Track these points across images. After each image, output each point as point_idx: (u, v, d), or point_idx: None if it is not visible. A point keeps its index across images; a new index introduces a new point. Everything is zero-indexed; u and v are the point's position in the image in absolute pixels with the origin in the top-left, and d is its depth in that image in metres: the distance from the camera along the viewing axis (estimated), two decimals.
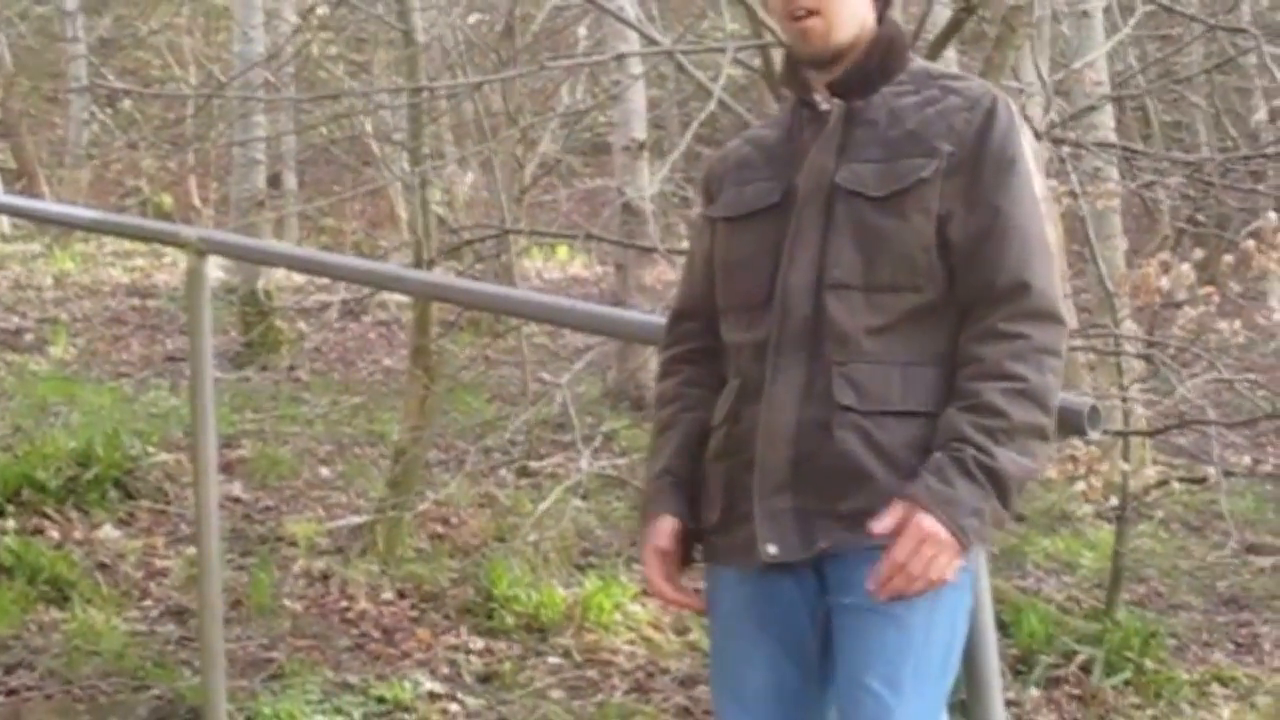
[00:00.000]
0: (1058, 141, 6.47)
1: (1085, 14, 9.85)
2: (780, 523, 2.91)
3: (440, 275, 6.32)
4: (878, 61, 3.05)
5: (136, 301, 13.81)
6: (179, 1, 15.99)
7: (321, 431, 9.98)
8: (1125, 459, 6.77)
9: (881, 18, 3.09)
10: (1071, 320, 2.87)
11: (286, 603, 6.99)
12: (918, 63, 3.13)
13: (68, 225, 8.16)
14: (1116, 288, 6.55)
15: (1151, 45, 13.49)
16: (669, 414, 3.14)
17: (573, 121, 14.05)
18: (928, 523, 2.75)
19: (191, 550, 7.46)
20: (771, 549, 2.91)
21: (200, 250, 5.47)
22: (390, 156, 12.09)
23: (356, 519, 7.70)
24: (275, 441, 9.59)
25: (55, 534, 7.46)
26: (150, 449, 8.73)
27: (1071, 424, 3.04)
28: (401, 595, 7.21)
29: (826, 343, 2.91)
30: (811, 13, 2.99)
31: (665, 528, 3.06)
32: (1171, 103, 16.16)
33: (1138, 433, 6.69)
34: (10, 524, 7.44)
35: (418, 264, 7.41)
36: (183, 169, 18.54)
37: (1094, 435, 3.10)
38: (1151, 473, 7.67)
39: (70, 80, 16.30)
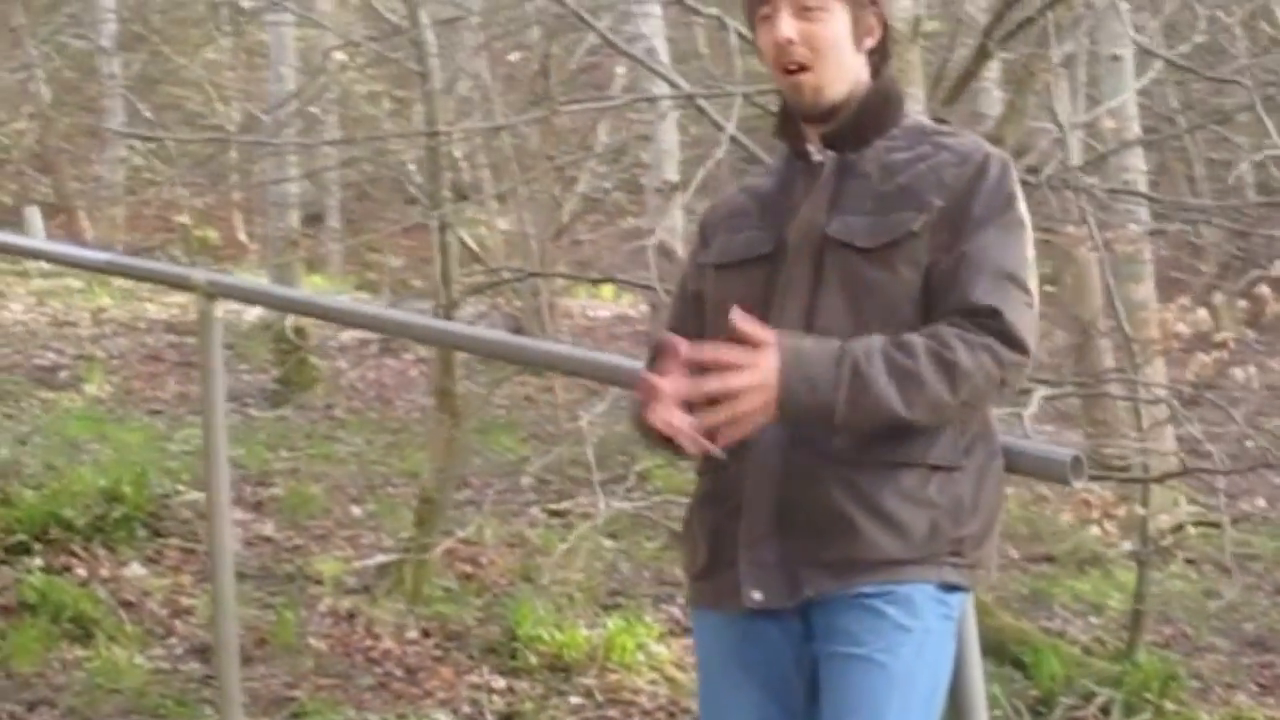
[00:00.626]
0: (1071, 187, 6.48)
1: (1115, 57, 9.85)
2: (765, 570, 2.92)
3: (443, 322, 6.32)
4: (872, 116, 3.06)
5: (174, 338, 13.87)
6: (217, 37, 16.12)
7: (354, 470, 10.02)
8: (1144, 503, 6.77)
9: (877, 72, 3.10)
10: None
11: (311, 641, 7.03)
12: (913, 118, 3.14)
13: (80, 267, 8.19)
14: (1136, 332, 6.55)
15: (1195, 86, 13.46)
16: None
17: (610, 160, 14.12)
18: (765, 360, 2.75)
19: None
20: (756, 595, 2.93)
21: (209, 294, 5.51)
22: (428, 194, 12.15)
23: (383, 558, 7.73)
24: (308, 479, 9.63)
25: (82, 571, 7.50)
26: (180, 487, 8.80)
27: (1054, 473, 3.07)
28: (426, 634, 7.23)
29: None
30: (803, 68, 3.01)
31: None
32: (1215, 143, 16.07)
33: (1131, 479, 6.66)
34: (37, 561, 7.50)
35: (439, 306, 7.45)
36: (226, 204, 18.71)
37: (1077, 485, 3.10)
38: (1184, 513, 7.64)
39: (107, 116, 16.47)
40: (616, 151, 13.67)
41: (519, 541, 8.60)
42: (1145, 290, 9.72)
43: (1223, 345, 6.17)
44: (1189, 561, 9.06)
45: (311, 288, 16.57)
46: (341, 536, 8.62)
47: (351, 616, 7.34)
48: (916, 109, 7.27)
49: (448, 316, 7.47)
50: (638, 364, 3.47)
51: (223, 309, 5.49)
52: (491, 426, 11.24)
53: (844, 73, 3.03)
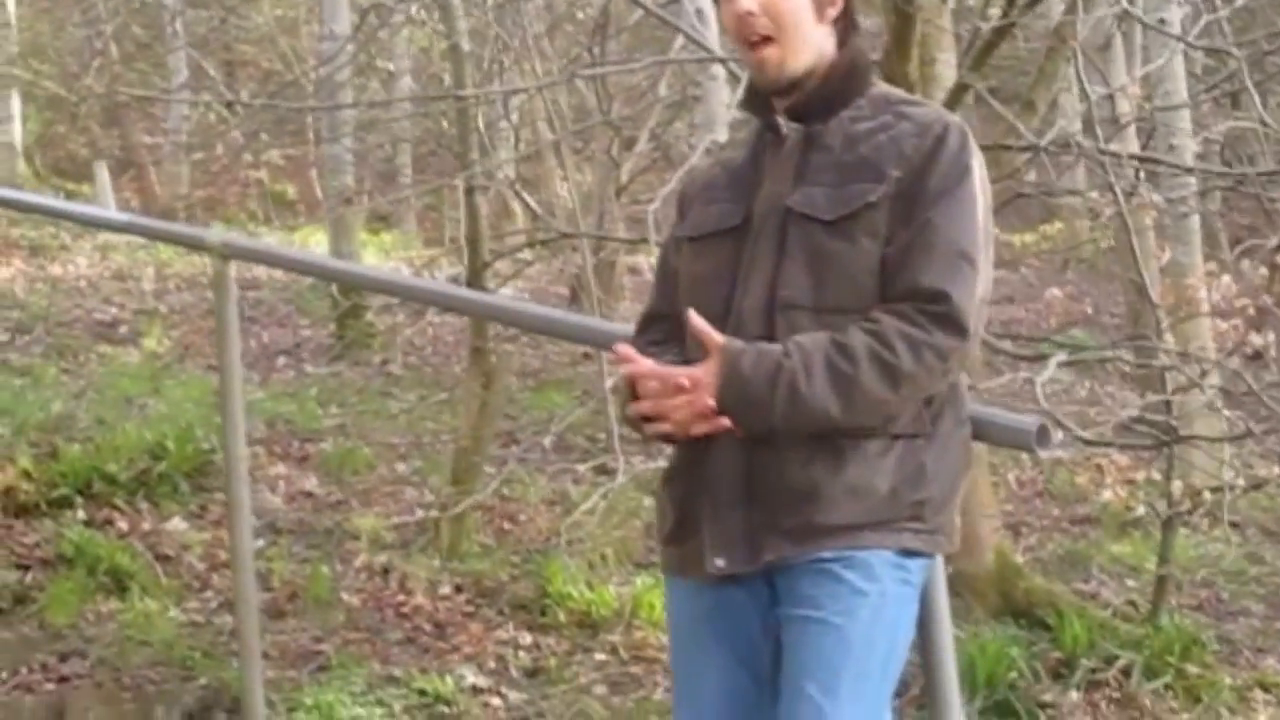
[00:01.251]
0: (1088, 156, 6.46)
1: (1163, 21, 9.75)
2: (729, 537, 2.98)
3: (449, 286, 6.36)
4: (836, 87, 3.09)
5: (236, 293, 13.97)
6: None
7: (403, 426, 10.10)
8: (1168, 467, 6.77)
9: (844, 42, 3.12)
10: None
11: (344, 596, 7.12)
12: (879, 88, 3.16)
13: (99, 227, 8.33)
14: (1160, 299, 6.53)
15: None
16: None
17: (668, 121, 14.09)
18: (708, 376, 2.90)
19: (257, 543, 7.65)
20: (720, 562, 2.98)
21: (224, 255, 5.58)
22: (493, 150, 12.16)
23: (420, 514, 7.81)
24: (357, 436, 9.72)
25: (123, 525, 7.63)
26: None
27: (1021, 442, 3.11)
28: (459, 590, 7.31)
29: None
30: (766, 39, 3.04)
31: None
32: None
33: (1101, 444, 6.63)
34: (79, 515, 7.64)
35: (471, 268, 7.50)
36: (303, 160, 18.81)
37: (1043, 454, 3.14)
38: (1231, 477, 7.61)
39: (171, 74, 16.65)
40: (674, 110, 13.64)
41: (560, 499, 8.64)
42: (1192, 255, 9.64)
43: (1241, 311, 6.14)
44: (1233, 525, 9.00)
45: (374, 245, 16.74)
46: (384, 493, 8.71)
47: (386, 572, 7.42)
48: (948, 74, 7.27)
49: (476, 279, 7.51)
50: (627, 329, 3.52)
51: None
52: (546, 384, 11.31)
53: (806, 45, 3.06)
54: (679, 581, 3.14)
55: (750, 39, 3.05)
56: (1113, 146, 6.57)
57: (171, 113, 16.77)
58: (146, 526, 7.68)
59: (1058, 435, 3.26)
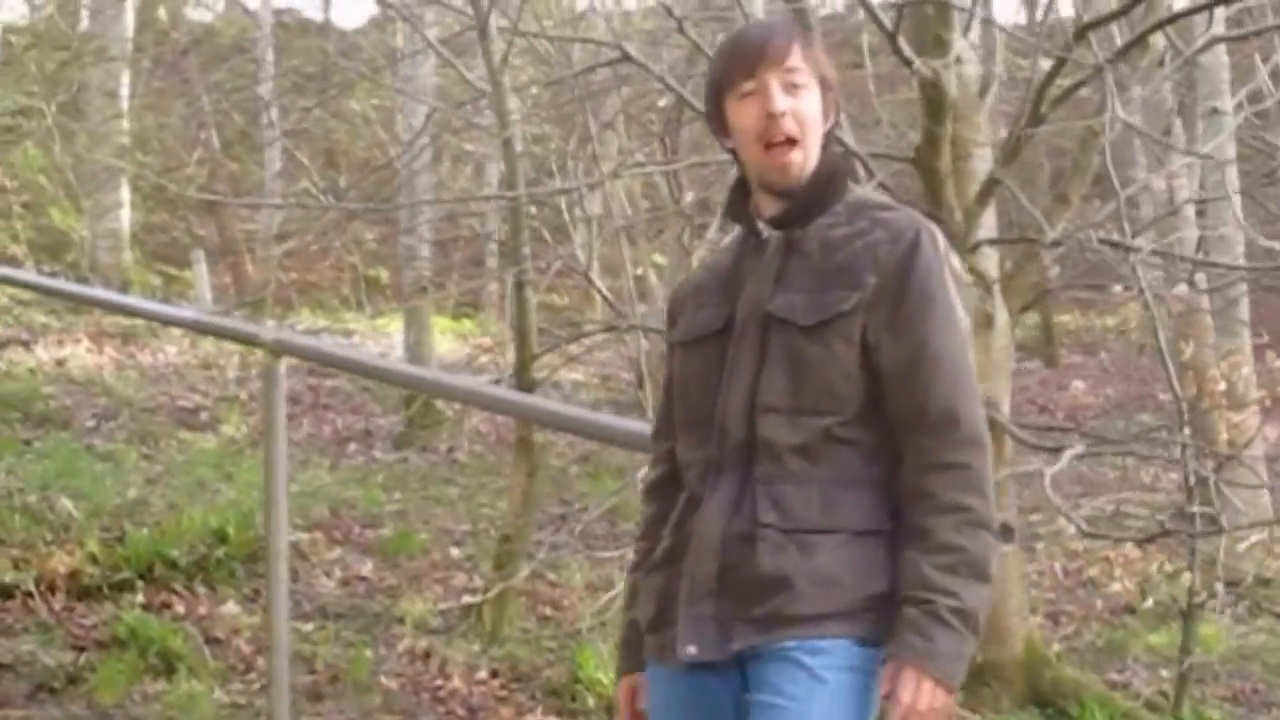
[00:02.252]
0: (1118, 246, 6.62)
1: (1215, 111, 9.89)
2: (701, 626, 3.15)
3: (485, 386, 6.61)
4: (817, 194, 3.21)
5: (313, 380, 14.38)
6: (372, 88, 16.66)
7: (461, 512, 10.36)
8: (1193, 558, 6.87)
9: (824, 149, 3.24)
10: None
11: (383, 679, 7.35)
12: (855, 193, 3.29)
13: (167, 323, 8.71)
14: (1184, 391, 6.65)
15: None
16: (643, 550, 3.38)
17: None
18: (921, 680, 2.99)
19: (306, 626, 7.94)
20: (691, 649, 3.16)
21: (275, 351, 5.95)
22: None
23: (464, 600, 8.04)
24: (416, 521, 10.00)
25: (180, 609, 7.93)
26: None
27: None
28: (494, 675, 7.52)
29: (757, 463, 3.14)
30: (791, 142, 3.16)
31: (629, 686, 3.40)
32: None
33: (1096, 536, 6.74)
34: (139, 598, 7.95)
35: (519, 361, 7.76)
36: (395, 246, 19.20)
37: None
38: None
39: (266, 163, 17.17)
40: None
41: (604, 584, 8.84)
42: (1240, 344, 9.71)
43: (1260, 402, 6.25)
44: (1277, 616, 9.06)
45: (453, 331, 17.09)
46: (434, 578, 8.96)
47: (427, 656, 7.66)
48: (984, 169, 7.45)
49: (524, 370, 7.77)
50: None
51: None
52: (601, 470, 11.53)
53: (817, 148, 3.20)
54: (658, 668, 3.29)
55: (776, 140, 3.16)
56: (1139, 241, 6.72)
57: (266, 199, 17.23)
58: (202, 610, 7.96)
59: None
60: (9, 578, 7.92)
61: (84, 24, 20.33)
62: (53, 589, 7.93)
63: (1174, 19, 6.20)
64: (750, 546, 3.10)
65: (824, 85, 3.21)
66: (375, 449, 12.29)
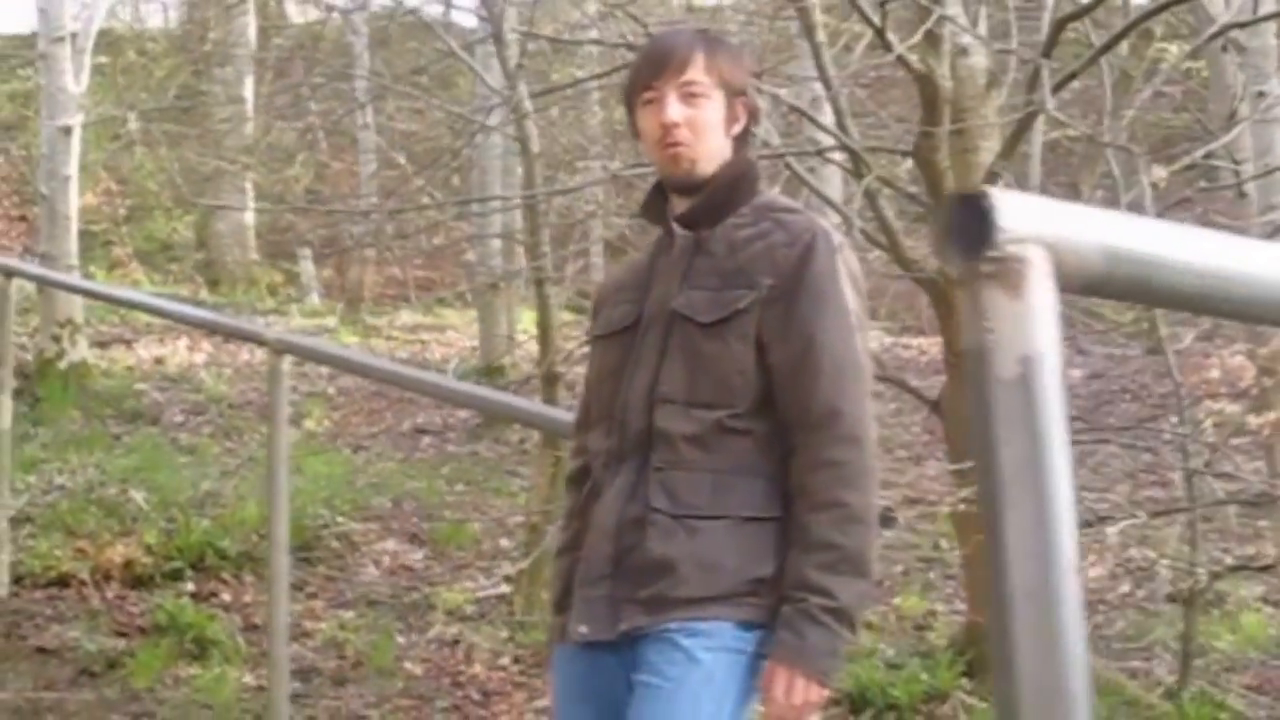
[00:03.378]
0: None
1: (1261, 94, 9.87)
2: (594, 607, 3.36)
3: (471, 386, 6.82)
4: (723, 196, 3.40)
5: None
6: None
7: (522, 503, 10.60)
8: (1192, 544, 6.94)
9: (737, 152, 3.44)
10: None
11: (408, 665, 7.62)
12: (763, 196, 3.48)
13: (175, 319, 9.05)
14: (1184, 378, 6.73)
15: None
16: (566, 540, 3.56)
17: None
18: (793, 677, 3.18)
19: (346, 614, 8.24)
20: (583, 629, 3.36)
21: (278, 349, 6.26)
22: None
23: (492, 589, 8.28)
24: (473, 512, 10.26)
25: (227, 597, 8.26)
26: (340, 519, 9.52)
27: None
28: (516, 660, 7.76)
29: (654, 451, 3.35)
30: (684, 146, 3.36)
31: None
32: None
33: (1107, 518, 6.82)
34: (189, 587, 8.30)
35: (541, 356, 7.99)
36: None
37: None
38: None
39: (361, 164, 17.59)
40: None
41: None
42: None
43: (1245, 393, 6.32)
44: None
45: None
46: (478, 566, 9.22)
47: (455, 643, 7.92)
48: (990, 161, 7.54)
49: (548, 367, 7.99)
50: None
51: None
52: None
53: (714, 153, 3.39)
54: (562, 647, 3.48)
55: (669, 141, 3.38)
56: None
57: (362, 201, 17.63)
58: (247, 598, 8.28)
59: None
60: (67, 567, 8.31)
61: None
62: (107, 577, 8.32)
63: (1148, 15, 6.25)
64: (642, 531, 3.30)
65: (730, 92, 3.40)
66: (450, 443, 12.57)
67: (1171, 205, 7.19)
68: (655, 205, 3.52)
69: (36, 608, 7.91)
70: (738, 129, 3.43)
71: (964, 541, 7.36)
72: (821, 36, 6.94)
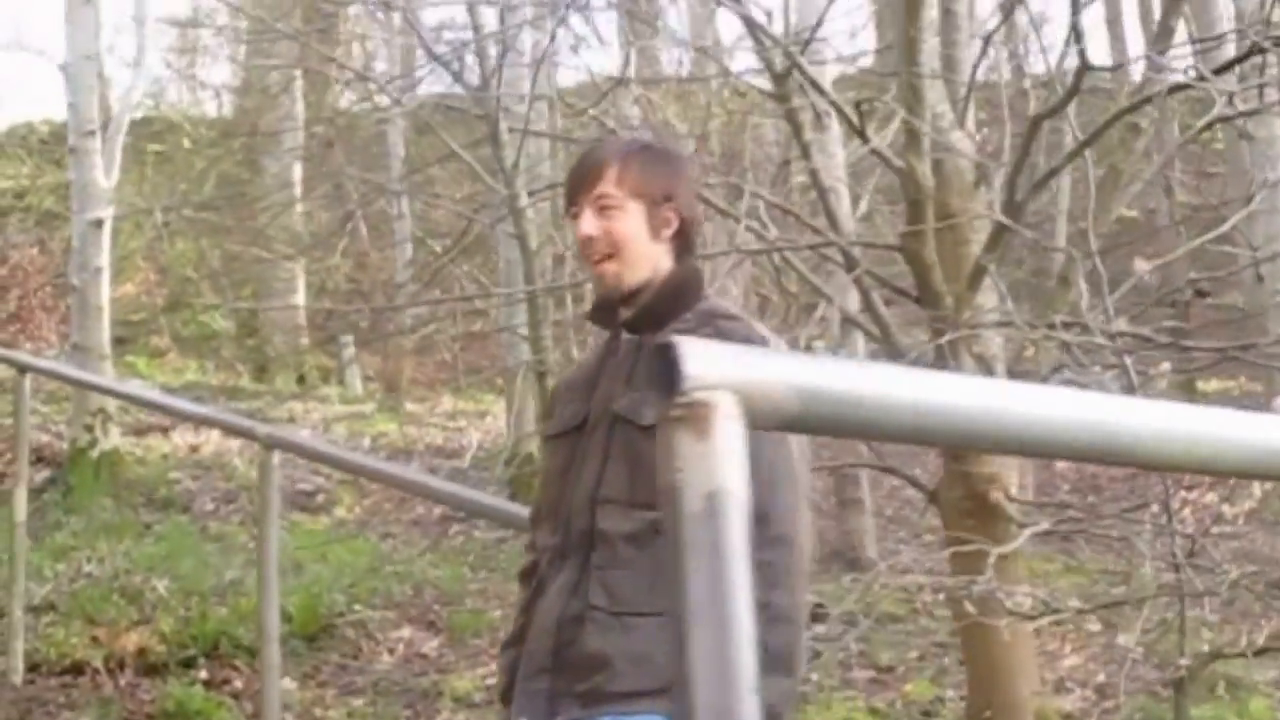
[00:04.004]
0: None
1: (1267, 182, 9.94)
2: (534, 700, 3.48)
3: (444, 483, 6.91)
4: (666, 301, 3.51)
5: (439, 462, 14.84)
6: None
7: None
8: (1183, 628, 6.96)
9: (679, 258, 3.56)
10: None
11: None
12: (707, 302, 3.58)
13: (172, 414, 9.26)
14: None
15: None
16: (513, 633, 3.66)
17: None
18: None
19: (356, 702, 8.34)
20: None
21: (268, 445, 6.41)
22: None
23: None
24: (493, 599, 10.36)
25: (239, 684, 8.39)
26: (358, 605, 9.64)
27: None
28: None
29: (595, 550, 3.46)
30: (607, 257, 3.49)
31: None
32: None
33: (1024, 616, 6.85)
34: (202, 674, 8.43)
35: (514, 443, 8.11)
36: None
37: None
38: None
39: (398, 251, 17.84)
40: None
41: None
42: None
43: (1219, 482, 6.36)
44: None
45: None
46: (492, 654, 9.29)
47: None
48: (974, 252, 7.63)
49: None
50: None
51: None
52: None
53: (642, 261, 3.50)
54: None
55: (593, 257, 3.51)
56: (1119, 323, 6.87)
57: (399, 292, 17.88)
58: (258, 686, 8.39)
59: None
60: (82, 654, 8.46)
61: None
62: (121, 665, 8.46)
63: (1129, 110, 6.33)
64: (580, 627, 3.41)
65: (649, 201, 3.51)
66: (478, 529, 12.69)
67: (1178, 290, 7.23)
68: (604, 309, 3.63)
69: (50, 695, 8.07)
70: (668, 233, 3.53)
71: (961, 631, 7.41)
72: (809, 136, 7.06)
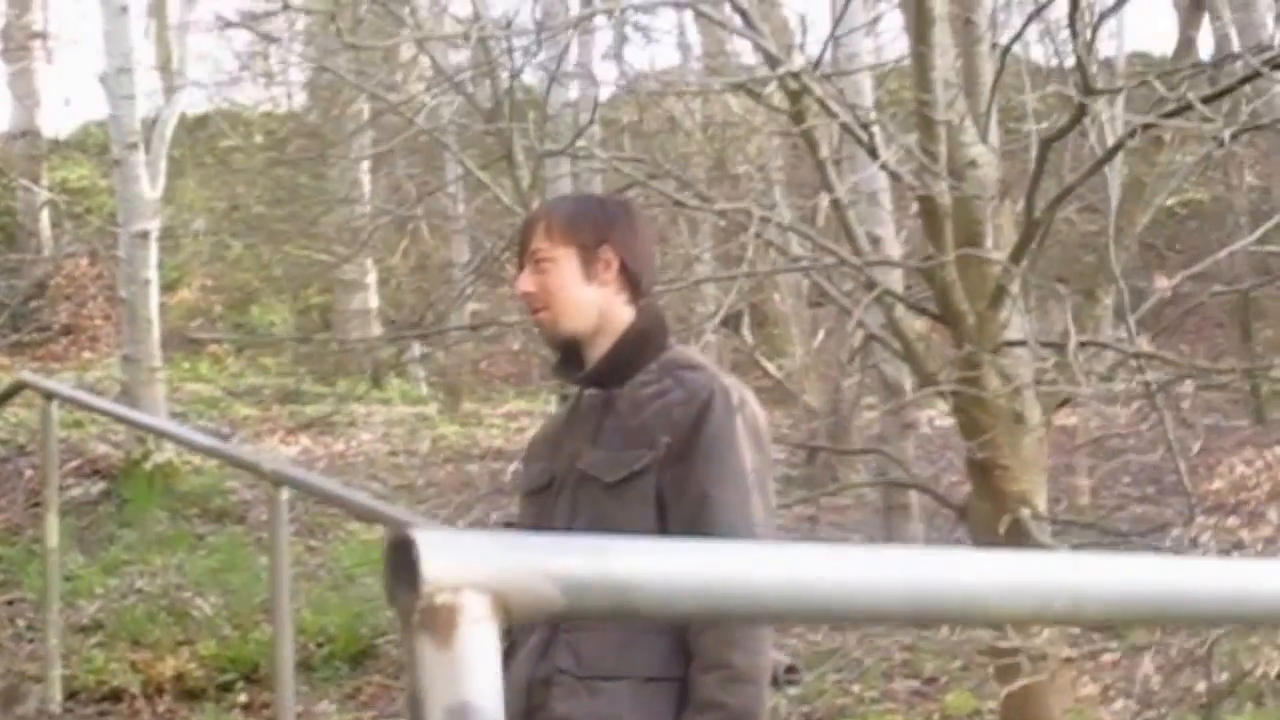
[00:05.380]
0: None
1: None
2: None
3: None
4: (626, 355, 3.47)
5: (498, 465, 14.75)
6: None
7: None
8: (1210, 649, 6.85)
9: (634, 302, 3.51)
10: None
11: None
12: (671, 351, 3.53)
13: (186, 446, 9.27)
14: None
15: None
16: None
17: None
18: None
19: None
20: None
21: (276, 481, 6.39)
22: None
23: None
24: None
25: None
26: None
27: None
28: None
29: None
30: (544, 307, 3.48)
31: None
32: None
33: None
34: (242, 698, 8.44)
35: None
36: None
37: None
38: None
39: (455, 253, 17.82)
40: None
41: None
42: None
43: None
44: None
45: None
46: None
47: None
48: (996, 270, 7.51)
49: None
50: None
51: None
52: None
53: (575, 307, 3.47)
54: None
55: (532, 307, 3.51)
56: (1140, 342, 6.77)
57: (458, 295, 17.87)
58: (299, 709, 8.40)
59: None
60: (120, 681, 8.47)
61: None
62: (160, 691, 8.46)
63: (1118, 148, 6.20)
64: (548, 691, 3.39)
65: (581, 246, 3.48)
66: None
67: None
68: (565, 364, 3.58)
69: None
70: (608, 275, 3.48)
71: (991, 650, 7.32)
72: (825, 153, 6.97)
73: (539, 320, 3.50)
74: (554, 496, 3.48)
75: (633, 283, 3.51)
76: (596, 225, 3.52)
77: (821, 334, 14.96)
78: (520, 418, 17.06)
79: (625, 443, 3.38)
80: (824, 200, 7.78)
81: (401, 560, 1.39)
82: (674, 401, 3.36)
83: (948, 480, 12.42)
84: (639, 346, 3.49)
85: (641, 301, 3.54)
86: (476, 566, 1.42)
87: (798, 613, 1.76)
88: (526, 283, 3.49)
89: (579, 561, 1.47)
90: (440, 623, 1.39)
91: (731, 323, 12.15)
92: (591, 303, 3.47)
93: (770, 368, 13.81)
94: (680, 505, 3.32)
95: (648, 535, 3.30)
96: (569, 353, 3.52)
